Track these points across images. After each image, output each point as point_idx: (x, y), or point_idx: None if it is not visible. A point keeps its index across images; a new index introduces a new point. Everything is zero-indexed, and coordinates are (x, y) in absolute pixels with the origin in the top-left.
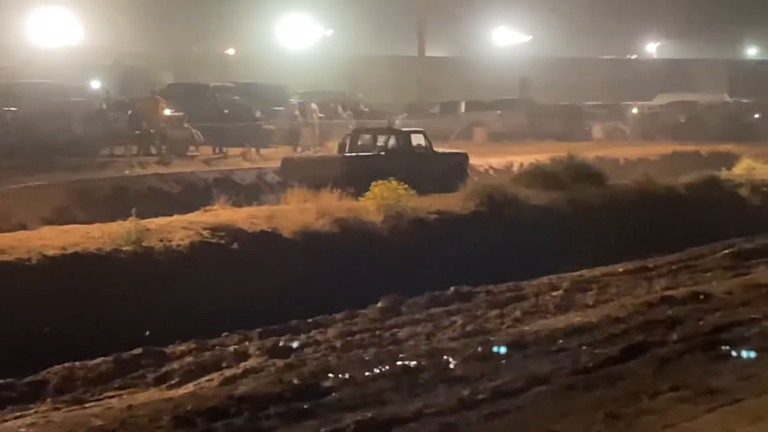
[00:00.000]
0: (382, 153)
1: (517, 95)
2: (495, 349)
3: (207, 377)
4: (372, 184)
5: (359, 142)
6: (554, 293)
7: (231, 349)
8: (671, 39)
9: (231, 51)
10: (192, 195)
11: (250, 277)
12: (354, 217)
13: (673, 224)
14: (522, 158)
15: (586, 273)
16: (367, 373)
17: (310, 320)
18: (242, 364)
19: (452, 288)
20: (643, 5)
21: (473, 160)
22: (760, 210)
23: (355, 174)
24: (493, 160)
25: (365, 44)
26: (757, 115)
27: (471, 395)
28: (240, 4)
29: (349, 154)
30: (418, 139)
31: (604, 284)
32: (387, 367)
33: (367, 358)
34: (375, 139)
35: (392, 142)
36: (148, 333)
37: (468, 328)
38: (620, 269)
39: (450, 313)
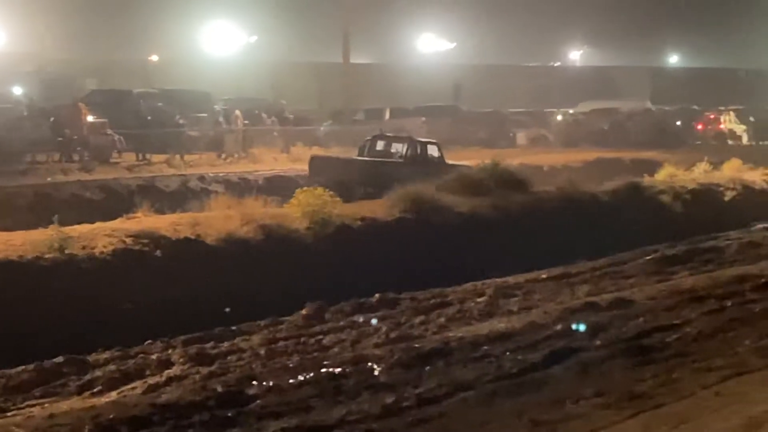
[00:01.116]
0: (401, 159)
1: (444, 102)
2: (419, 355)
3: (130, 385)
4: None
5: (377, 148)
6: (479, 299)
7: (154, 356)
8: (594, 46)
9: (155, 57)
10: (115, 202)
11: (174, 284)
12: (279, 224)
13: (596, 230)
14: None
15: (510, 279)
16: (291, 381)
17: (234, 327)
18: (166, 372)
19: (377, 295)
20: (567, 13)
21: None
22: (681, 216)
23: (376, 177)
24: None
25: (290, 51)
26: (678, 123)
27: (395, 402)
28: (163, 11)
29: (373, 159)
30: (432, 150)
31: (528, 290)
32: (311, 374)
33: (291, 365)
34: (393, 147)
35: (410, 150)
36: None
37: (392, 334)
38: (544, 275)
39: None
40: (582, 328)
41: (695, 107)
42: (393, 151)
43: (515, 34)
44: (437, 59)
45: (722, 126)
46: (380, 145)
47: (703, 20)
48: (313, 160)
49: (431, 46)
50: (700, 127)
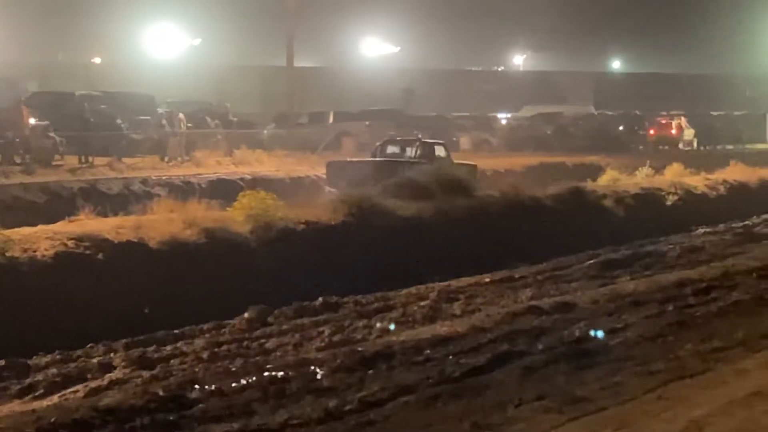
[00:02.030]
0: (414, 160)
1: (388, 106)
2: (362, 359)
3: (71, 389)
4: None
5: (388, 150)
6: (422, 303)
7: (96, 360)
8: (538, 51)
9: (97, 60)
10: (57, 205)
11: (116, 287)
12: (222, 228)
13: (539, 235)
14: None
15: (453, 283)
16: (233, 384)
17: (176, 331)
18: (107, 376)
19: (320, 298)
20: (510, 18)
21: None
22: (624, 220)
23: (391, 177)
24: None
25: (234, 54)
26: (621, 127)
27: (338, 406)
28: (106, 13)
29: (387, 160)
30: (439, 150)
31: (471, 294)
32: (254, 378)
33: (233, 369)
34: (404, 149)
35: (420, 151)
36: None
37: (336, 338)
38: (487, 279)
39: (318, 324)
40: (525, 332)
41: (637, 112)
42: (403, 152)
43: (459, 39)
44: (382, 63)
45: (673, 131)
46: (391, 148)
47: (645, 26)
48: (330, 165)
49: (376, 50)
50: (652, 132)
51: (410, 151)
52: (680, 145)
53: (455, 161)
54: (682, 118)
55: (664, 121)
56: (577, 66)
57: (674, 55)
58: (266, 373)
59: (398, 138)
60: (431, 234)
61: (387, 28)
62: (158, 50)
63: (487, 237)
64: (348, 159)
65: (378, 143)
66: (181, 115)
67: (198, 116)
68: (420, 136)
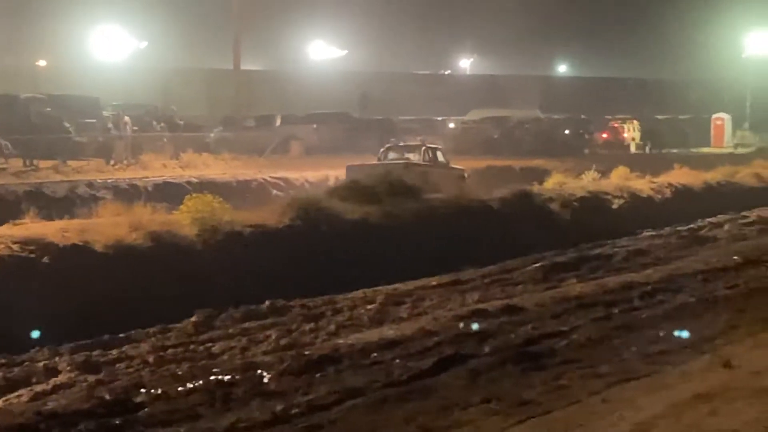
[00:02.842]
0: (422, 163)
1: (336, 109)
2: (309, 362)
3: (16, 393)
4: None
5: (393, 154)
6: (369, 306)
7: (41, 364)
8: (484, 55)
9: (42, 62)
10: (1, 208)
11: (61, 291)
12: (168, 231)
13: (486, 238)
14: (338, 172)
15: (400, 286)
16: (180, 388)
17: (123, 335)
18: (52, 380)
19: (267, 302)
20: (457, 21)
21: (288, 174)
22: (570, 224)
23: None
24: (309, 174)
25: (180, 57)
26: (567, 131)
27: (285, 409)
28: (52, 15)
29: (400, 162)
30: (439, 155)
31: (418, 297)
32: (200, 382)
33: (180, 372)
34: (410, 153)
35: (424, 155)
36: None
37: (283, 341)
38: (434, 282)
39: (265, 327)
40: (471, 334)
41: (583, 116)
42: (407, 156)
43: (407, 42)
44: (329, 66)
45: (625, 135)
46: (395, 152)
47: (591, 30)
48: (349, 169)
49: (323, 53)
50: (605, 135)
51: (417, 155)
52: (631, 148)
53: (452, 165)
54: (635, 122)
55: (616, 125)
56: (525, 69)
57: (621, 59)
58: (213, 377)
59: (401, 143)
60: (379, 237)
61: (334, 31)
62: (104, 53)
63: (435, 240)
64: (364, 163)
65: (382, 148)
66: (126, 118)
67: (144, 119)
68: (423, 140)
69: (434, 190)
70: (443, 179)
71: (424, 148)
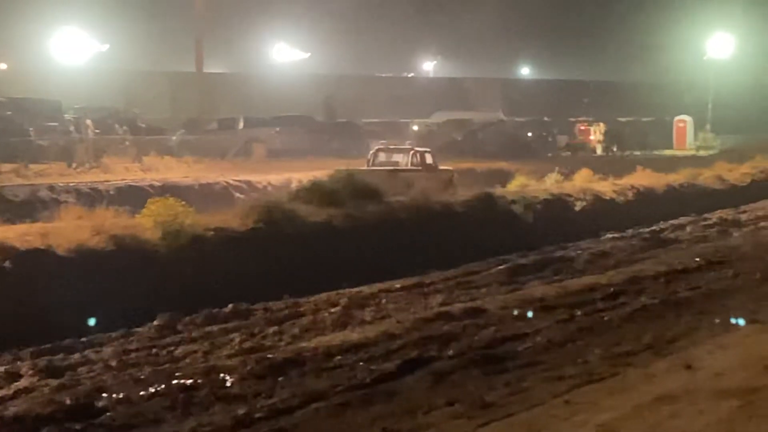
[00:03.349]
0: (411, 168)
1: (300, 112)
2: (272, 366)
3: None
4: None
5: (382, 158)
6: (333, 310)
7: (2, 369)
8: (448, 57)
9: (3, 66)
10: None
11: (23, 295)
12: (130, 235)
13: (449, 240)
14: (300, 175)
15: (364, 289)
16: (142, 393)
17: (85, 339)
18: (14, 385)
19: (230, 305)
20: (420, 23)
21: (251, 177)
22: (533, 226)
23: (394, 182)
24: (272, 177)
25: (143, 60)
26: (530, 134)
27: (247, 413)
28: (11, 18)
29: (391, 168)
30: (428, 157)
31: (382, 300)
32: (162, 386)
33: (142, 377)
34: (400, 156)
35: (413, 158)
36: None
37: (246, 345)
38: (398, 285)
39: (228, 331)
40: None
41: (546, 119)
42: (397, 159)
43: (370, 45)
44: (293, 69)
45: (592, 137)
46: (385, 155)
47: (554, 33)
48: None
49: (286, 56)
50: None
51: (406, 159)
52: (598, 151)
53: (441, 167)
54: (601, 125)
55: (583, 127)
56: (488, 72)
57: (584, 62)
58: (175, 381)
59: (391, 147)
60: (342, 240)
61: (298, 34)
62: (66, 56)
63: (398, 243)
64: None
65: (371, 151)
66: (88, 121)
67: (106, 122)
68: (411, 144)
69: (423, 192)
70: (432, 182)
71: (412, 151)
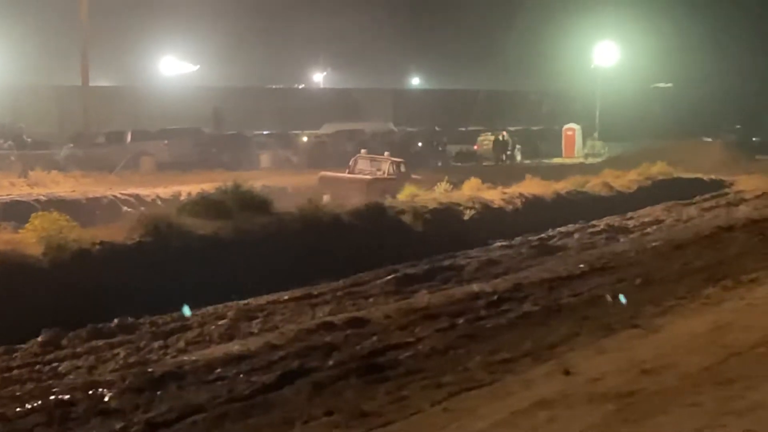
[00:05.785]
0: (386, 177)
1: (188, 124)
2: (152, 379)
3: None
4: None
5: (361, 166)
6: (220, 322)
7: None
8: (338, 68)
9: None
10: None
11: None
12: (13, 250)
13: (339, 251)
14: (189, 188)
15: (252, 301)
16: (18, 409)
17: None
18: None
19: (116, 320)
20: (309, 35)
21: (140, 190)
22: (422, 236)
23: (371, 190)
24: (161, 190)
25: (28, 73)
26: (420, 143)
27: (124, 427)
28: None
29: (367, 177)
30: (402, 167)
31: (269, 312)
32: (39, 402)
33: (20, 393)
34: (376, 165)
35: (393, 168)
36: None
37: (131, 359)
38: (286, 297)
39: (113, 346)
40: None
41: (437, 128)
42: (375, 168)
43: (259, 57)
44: (182, 82)
45: (483, 146)
46: (364, 163)
47: (443, 43)
48: (322, 178)
49: (175, 68)
50: (476, 147)
51: (384, 168)
52: (503, 158)
53: (413, 176)
54: (504, 132)
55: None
56: (378, 83)
57: (473, 72)
58: (53, 397)
59: (369, 156)
60: (230, 253)
61: (186, 47)
62: None
63: (288, 254)
64: (336, 174)
65: (352, 159)
66: None
67: None
68: (388, 154)
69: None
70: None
71: (390, 161)
